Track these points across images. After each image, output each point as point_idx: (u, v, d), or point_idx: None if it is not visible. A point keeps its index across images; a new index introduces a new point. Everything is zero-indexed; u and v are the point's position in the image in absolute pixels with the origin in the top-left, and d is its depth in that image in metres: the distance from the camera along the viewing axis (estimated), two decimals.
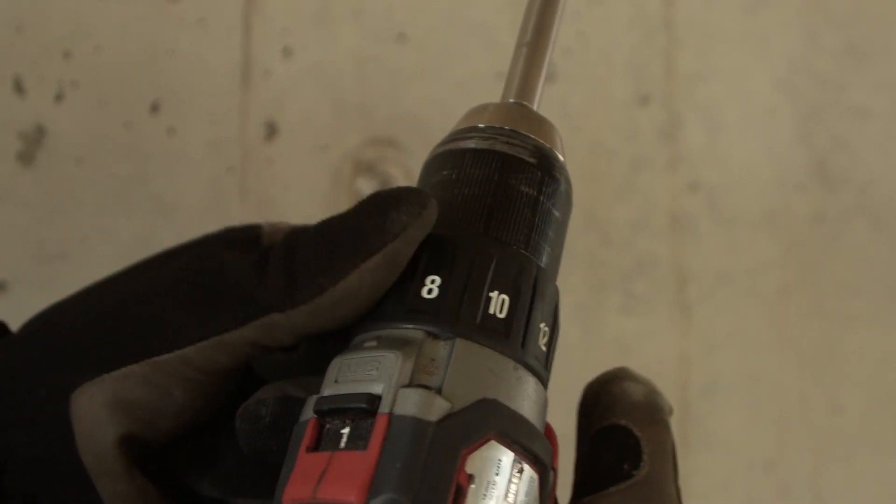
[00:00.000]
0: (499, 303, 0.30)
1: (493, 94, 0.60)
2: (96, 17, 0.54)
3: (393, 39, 0.58)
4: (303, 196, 0.57)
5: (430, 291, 0.30)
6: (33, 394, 0.32)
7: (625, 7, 0.62)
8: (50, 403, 0.31)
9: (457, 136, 0.33)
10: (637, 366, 0.61)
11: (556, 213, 0.33)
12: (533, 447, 0.29)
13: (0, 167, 0.53)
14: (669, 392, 0.62)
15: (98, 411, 0.31)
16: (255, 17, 0.56)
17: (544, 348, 0.31)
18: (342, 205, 0.57)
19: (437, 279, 0.30)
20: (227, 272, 0.31)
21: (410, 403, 0.28)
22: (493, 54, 0.59)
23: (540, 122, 0.34)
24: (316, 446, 0.28)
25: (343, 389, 0.29)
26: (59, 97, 0.53)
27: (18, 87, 0.53)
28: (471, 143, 0.33)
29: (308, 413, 0.29)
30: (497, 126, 0.33)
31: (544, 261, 0.32)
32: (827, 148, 0.64)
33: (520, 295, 0.31)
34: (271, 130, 0.56)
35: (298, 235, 0.31)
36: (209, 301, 0.31)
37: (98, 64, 0.54)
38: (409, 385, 0.28)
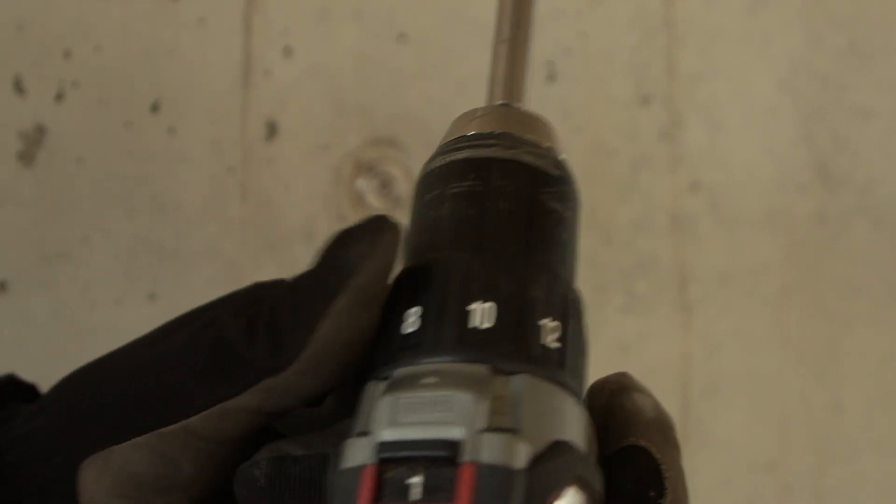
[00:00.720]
0: (551, 330, 0.28)
1: None
2: (97, 17, 0.54)
3: (394, 39, 0.58)
4: (303, 196, 0.57)
5: (482, 320, 0.28)
6: (49, 462, 0.31)
7: (625, 6, 0.62)
8: (63, 472, 0.31)
9: (466, 142, 0.31)
10: (638, 365, 0.61)
11: (576, 228, 0.31)
12: (598, 488, 0.28)
13: (0, 167, 0.53)
14: (671, 392, 0.62)
15: (105, 484, 0.30)
16: (255, 16, 0.56)
17: (584, 374, 0.30)
18: (343, 205, 0.57)
19: (491, 305, 0.28)
20: (227, 336, 0.30)
21: (496, 450, 0.25)
22: None
23: (543, 125, 0.32)
24: (378, 498, 0.26)
25: (411, 434, 0.26)
26: (59, 97, 0.53)
27: (19, 87, 0.53)
28: (490, 152, 0.31)
29: (357, 458, 0.26)
30: (503, 132, 0.31)
31: (573, 279, 0.31)
32: (828, 148, 0.64)
33: (568, 321, 0.29)
34: (272, 130, 0.56)
35: (277, 292, 0.30)
36: (210, 368, 0.30)
37: (98, 63, 0.54)
38: (488, 429, 0.26)
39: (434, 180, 0.31)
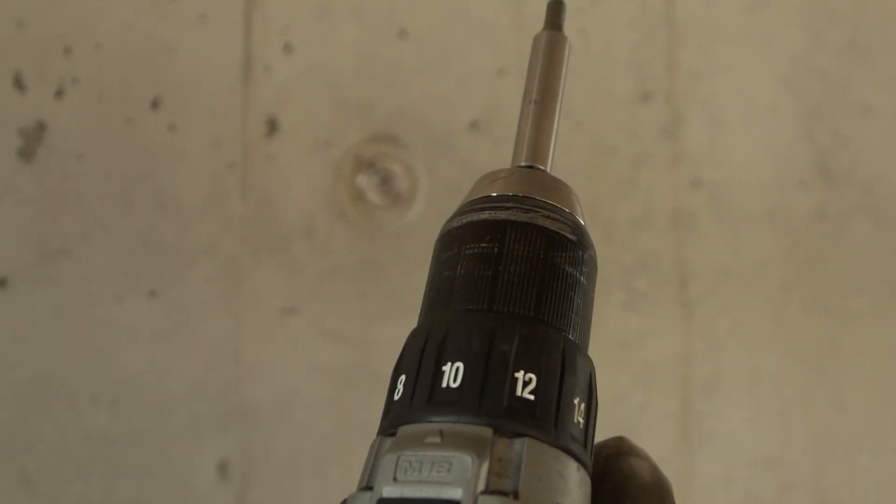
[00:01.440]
0: (525, 383, 0.29)
1: (493, 91, 0.60)
2: (97, 14, 0.54)
3: (394, 36, 0.58)
4: (303, 193, 0.57)
5: (451, 380, 0.29)
6: None
7: (626, 4, 0.62)
8: None
9: (486, 203, 0.32)
10: (639, 362, 0.61)
11: (592, 294, 0.32)
12: None
13: (1, 163, 0.53)
14: (671, 389, 0.62)
15: None
16: (255, 13, 0.56)
17: (586, 430, 0.30)
18: (343, 202, 0.57)
19: (459, 365, 0.29)
20: None
21: None
22: (494, 51, 0.59)
23: (565, 190, 0.33)
24: None
25: (410, 492, 0.27)
26: (59, 93, 0.53)
27: (19, 84, 0.53)
28: (507, 214, 0.31)
29: None
30: (523, 195, 0.32)
31: (584, 341, 0.31)
32: (829, 145, 0.64)
33: (548, 374, 0.29)
34: (272, 127, 0.56)
35: None
36: None
37: (99, 60, 0.54)
38: (487, 491, 0.26)
39: (451, 240, 0.32)
